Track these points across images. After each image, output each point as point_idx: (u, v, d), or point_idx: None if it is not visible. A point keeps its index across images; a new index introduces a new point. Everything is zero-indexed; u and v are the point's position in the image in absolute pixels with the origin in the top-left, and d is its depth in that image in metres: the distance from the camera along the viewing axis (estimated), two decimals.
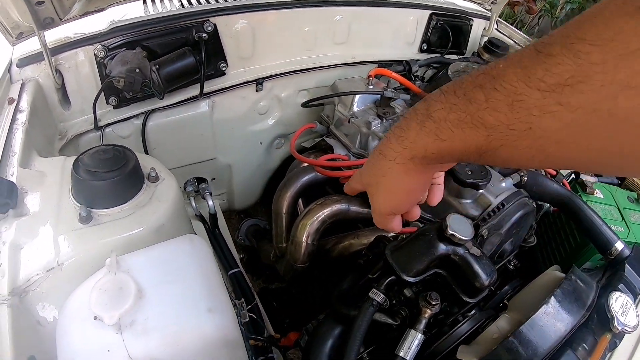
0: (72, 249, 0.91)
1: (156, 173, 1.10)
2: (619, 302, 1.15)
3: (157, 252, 0.89)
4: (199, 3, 1.57)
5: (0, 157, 1.06)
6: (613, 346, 1.11)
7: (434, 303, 1.05)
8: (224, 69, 1.62)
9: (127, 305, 0.76)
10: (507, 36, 2.38)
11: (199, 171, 1.88)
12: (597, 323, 1.13)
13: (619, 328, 1.09)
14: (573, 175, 1.85)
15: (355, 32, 1.85)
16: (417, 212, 0.77)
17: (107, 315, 0.75)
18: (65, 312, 0.82)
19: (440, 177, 0.78)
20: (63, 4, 1.24)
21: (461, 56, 2.26)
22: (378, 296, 1.03)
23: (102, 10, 1.44)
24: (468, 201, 1.32)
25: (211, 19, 1.52)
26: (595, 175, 1.98)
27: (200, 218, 1.83)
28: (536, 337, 1.03)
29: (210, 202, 1.80)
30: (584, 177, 1.82)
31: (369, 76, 1.72)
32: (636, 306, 1.22)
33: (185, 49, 1.50)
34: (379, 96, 1.64)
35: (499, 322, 1.20)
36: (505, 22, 2.45)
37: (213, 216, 1.81)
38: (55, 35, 1.38)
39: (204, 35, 1.51)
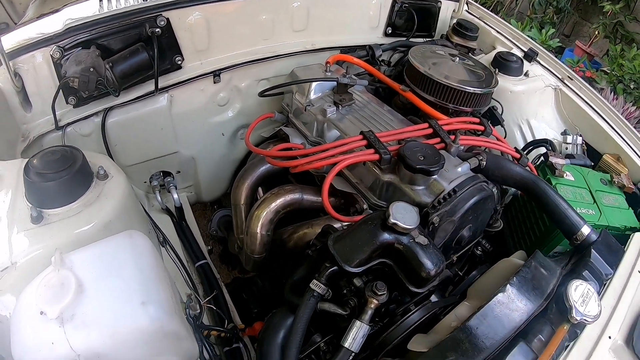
0: (24, 249, 1.01)
1: (105, 171, 1.19)
2: (579, 291, 1.16)
3: (98, 248, 0.98)
4: None
5: None
6: (574, 336, 1.14)
7: (379, 293, 1.14)
8: (179, 62, 1.70)
9: (67, 299, 0.85)
10: (477, 17, 2.45)
11: (164, 165, 1.97)
12: (556, 312, 1.16)
13: (578, 318, 1.10)
14: (542, 158, 1.91)
15: (314, 19, 1.93)
16: None
17: (50, 310, 0.84)
18: (17, 308, 0.92)
19: None
20: (15, 9, 1.34)
21: (428, 39, 2.33)
22: (319, 287, 1.12)
23: (57, 11, 1.57)
24: (420, 187, 1.39)
25: (164, 14, 1.60)
26: (567, 157, 2.05)
27: (167, 211, 1.93)
28: (487, 328, 1.08)
29: (175, 196, 1.89)
30: (552, 159, 1.86)
31: (327, 63, 1.80)
32: (601, 293, 1.28)
33: (138, 45, 1.58)
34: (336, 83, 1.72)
35: (459, 309, 1.28)
36: (476, 4, 2.52)
37: (179, 209, 1.90)
38: (12, 39, 1.49)
39: (157, 30, 1.59)
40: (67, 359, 0.82)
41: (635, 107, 4.25)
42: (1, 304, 1.00)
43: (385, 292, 1.14)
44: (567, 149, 2.14)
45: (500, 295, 1.11)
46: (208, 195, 2.26)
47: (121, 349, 0.88)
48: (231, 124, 2.05)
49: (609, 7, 4.83)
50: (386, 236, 1.15)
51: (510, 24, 4.86)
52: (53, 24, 1.55)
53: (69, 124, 1.65)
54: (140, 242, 1.02)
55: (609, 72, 4.54)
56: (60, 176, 1.08)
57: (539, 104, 2.23)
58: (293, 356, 1.06)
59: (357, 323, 1.11)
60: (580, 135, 2.15)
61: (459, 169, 1.45)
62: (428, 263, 1.12)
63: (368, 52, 2.04)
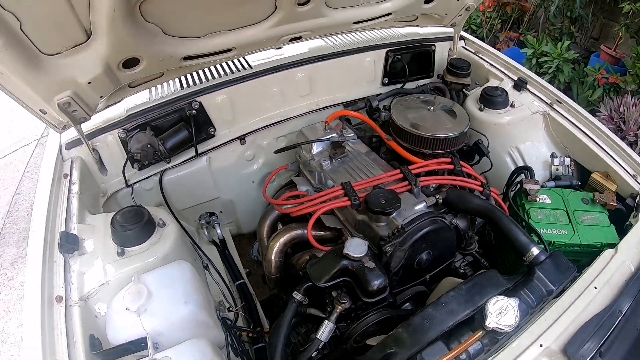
0: (113, 272, 1.78)
1: (163, 221, 1.97)
2: (497, 305, 1.48)
3: (160, 271, 1.77)
4: (188, 86, 2.42)
5: (65, 218, 1.92)
6: (494, 341, 1.49)
7: (342, 301, 1.76)
8: (213, 132, 2.50)
9: (142, 301, 1.63)
10: (473, 52, 2.91)
11: (210, 207, 2.76)
12: (477, 321, 1.54)
13: (490, 327, 1.44)
14: (518, 185, 2.31)
15: (316, 83, 2.67)
16: None
17: (132, 307, 1.62)
18: (110, 307, 1.70)
19: None
20: (89, 107, 1.95)
21: (427, 79, 2.82)
22: (297, 296, 1.81)
23: (119, 102, 2.25)
24: (383, 224, 2.01)
25: (197, 98, 2.39)
26: (556, 178, 2.42)
27: (213, 243, 2.70)
28: (419, 328, 1.55)
29: (219, 230, 2.61)
30: (526, 185, 2.22)
31: (326, 122, 2.46)
32: (537, 306, 1.60)
33: (180, 125, 2.40)
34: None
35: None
36: (472, 38, 2.96)
37: (222, 241, 2.60)
38: (90, 123, 2.17)
39: (193, 111, 2.38)
40: (140, 335, 1.55)
41: None
42: (99, 307, 1.75)
43: (347, 301, 1.82)
44: (557, 170, 2.50)
45: (432, 306, 1.60)
46: (246, 228, 3.03)
47: (172, 330, 1.63)
48: (258, 173, 2.81)
49: (629, 7, 4.85)
50: (344, 262, 1.78)
51: (527, 40, 5.05)
52: (118, 110, 2.27)
53: (135, 183, 2.43)
54: (185, 266, 1.81)
55: (635, 73, 4.61)
56: (136, 226, 1.84)
57: (527, 130, 2.63)
58: (281, 343, 1.71)
59: (325, 322, 1.80)
60: (569, 157, 2.50)
61: (416, 208, 2.01)
62: (373, 280, 1.75)
63: (366, 104, 2.68)
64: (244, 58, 2.53)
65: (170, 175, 2.49)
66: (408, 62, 2.82)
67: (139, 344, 1.53)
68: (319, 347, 1.76)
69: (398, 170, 2.14)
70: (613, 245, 1.85)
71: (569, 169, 2.48)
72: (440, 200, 2.06)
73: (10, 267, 4.06)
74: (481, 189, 2.18)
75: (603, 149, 2.34)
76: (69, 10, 1.57)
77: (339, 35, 2.75)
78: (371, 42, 2.71)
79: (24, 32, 1.54)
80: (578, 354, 1.42)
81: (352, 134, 2.46)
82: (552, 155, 2.54)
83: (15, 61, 1.56)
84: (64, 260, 1.75)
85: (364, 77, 2.76)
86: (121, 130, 2.25)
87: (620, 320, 1.54)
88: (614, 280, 1.66)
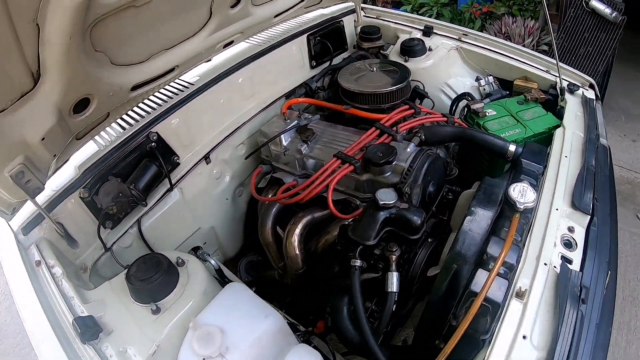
0: (158, 332, 1.54)
1: (181, 259, 1.78)
2: (516, 190, 1.74)
3: (216, 303, 1.59)
4: (136, 121, 2.23)
5: (66, 306, 1.64)
6: (526, 219, 1.73)
7: (394, 250, 1.86)
8: (177, 160, 2.32)
9: (219, 341, 1.44)
10: (375, 18, 3.23)
11: (193, 242, 2.57)
12: (508, 210, 1.79)
13: (521, 207, 1.69)
14: (466, 109, 2.64)
15: (257, 83, 2.62)
16: None
17: (211, 352, 1.42)
18: None
19: None
20: (42, 172, 1.72)
21: (344, 52, 3.11)
22: (356, 262, 1.81)
23: (67, 161, 2.03)
24: (388, 174, 2.10)
25: (153, 130, 2.21)
26: (487, 96, 2.78)
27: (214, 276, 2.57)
28: (470, 237, 1.75)
29: (212, 261, 2.54)
30: (473, 106, 2.58)
31: (283, 113, 2.53)
32: (537, 185, 1.95)
33: (146, 161, 2.19)
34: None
35: (450, 238, 2.01)
36: (369, 6, 3.32)
37: (219, 271, 2.56)
38: (44, 196, 1.92)
39: (153, 144, 2.20)
40: None
41: (533, 21, 5.19)
42: None
43: (397, 247, 1.87)
44: (484, 89, 2.87)
45: (468, 216, 1.79)
46: (232, 251, 2.89)
47: (264, 349, 1.49)
48: (229, 188, 2.70)
49: None
50: (381, 214, 1.86)
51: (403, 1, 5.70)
52: (68, 173, 2.04)
53: (114, 243, 2.18)
54: (238, 286, 1.68)
55: None
56: (160, 275, 1.62)
57: (448, 66, 2.98)
58: (362, 313, 1.71)
59: (389, 274, 1.82)
60: (490, 75, 2.89)
61: (408, 149, 2.16)
62: (414, 217, 1.84)
63: (306, 89, 2.80)
64: (180, 79, 2.43)
65: (147, 221, 2.30)
66: (326, 40, 2.95)
67: None
68: (395, 299, 1.82)
69: (373, 128, 2.26)
70: (558, 126, 2.32)
71: (494, 85, 2.88)
72: (423, 138, 2.24)
73: None
74: (445, 119, 2.45)
75: (513, 58, 2.81)
76: (16, 49, 1.38)
77: (260, 34, 2.77)
78: (291, 32, 2.78)
79: None
80: (583, 203, 1.80)
81: (314, 115, 2.50)
82: (477, 79, 2.93)
83: None
84: (94, 350, 1.51)
85: (295, 65, 2.82)
86: (82, 190, 2.01)
87: (594, 171, 1.99)
88: (575, 147, 2.12)
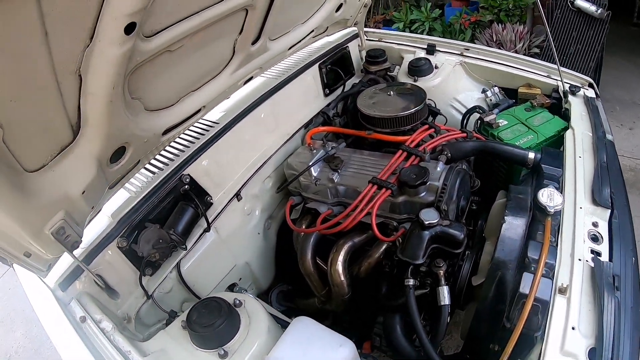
0: None
1: (238, 300, 1.76)
2: (544, 194, 1.89)
3: (287, 340, 1.59)
4: (166, 165, 2.24)
5: None
6: (557, 222, 1.87)
7: (441, 265, 1.93)
8: (210, 200, 2.32)
9: None
10: (378, 40, 3.33)
11: (230, 280, 2.58)
12: (539, 215, 1.92)
13: (551, 211, 1.84)
14: (479, 122, 2.73)
15: (278, 115, 2.66)
16: None
17: None
18: None
19: None
20: (80, 226, 1.70)
21: (352, 78, 3.21)
22: (410, 281, 1.87)
23: (99, 211, 2.00)
24: (423, 194, 2.14)
25: (184, 172, 2.21)
26: (494, 106, 2.86)
27: None
28: (508, 245, 1.86)
29: (250, 296, 2.60)
30: (486, 118, 2.67)
31: (308, 144, 2.58)
32: (560, 186, 2.07)
33: (181, 204, 2.19)
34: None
35: (486, 249, 2.09)
36: (371, 29, 3.43)
37: None
38: (77, 250, 1.80)
39: (186, 186, 2.20)
40: None
41: (522, 26, 5.39)
42: None
43: (443, 262, 1.94)
44: (491, 100, 2.97)
45: (504, 225, 1.89)
46: (265, 283, 2.88)
47: None
48: (260, 223, 2.72)
49: None
50: (426, 233, 1.93)
51: (394, 16, 5.89)
52: (103, 223, 2.02)
53: (154, 290, 2.15)
54: (305, 319, 1.67)
55: (487, 6, 5.54)
56: (223, 319, 1.61)
57: (455, 81, 3.07)
58: (421, 330, 1.77)
59: (439, 288, 1.89)
60: (495, 86, 2.99)
61: (438, 168, 2.21)
62: (457, 233, 1.93)
63: (323, 117, 2.85)
64: (204, 119, 2.45)
65: (186, 264, 2.29)
66: (336, 67, 3.04)
67: None
68: (449, 312, 1.89)
69: (400, 151, 2.32)
70: (566, 128, 2.43)
71: (499, 95, 2.98)
72: (449, 155, 2.32)
73: None
74: (465, 134, 2.52)
75: (515, 67, 2.93)
76: (57, 101, 1.35)
77: (275, 67, 2.84)
78: (304, 62, 2.85)
79: (5, 144, 1.25)
80: (603, 198, 1.92)
81: (339, 143, 2.56)
82: (483, 91, 3.02)
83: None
84: None
85: (311, 95, 2.89)
86: (119, 240, 1.98)
87: (607, 167, 2.11)
88: (586, 146, 2.24)
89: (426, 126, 2.55)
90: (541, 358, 1.49)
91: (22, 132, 1.29)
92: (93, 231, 2.00)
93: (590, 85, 2.70)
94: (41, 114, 1.34)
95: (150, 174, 2.23)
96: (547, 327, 1.55)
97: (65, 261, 1.84)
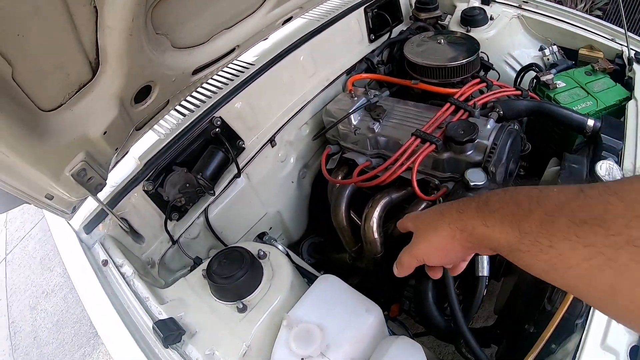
0: (247, 332, 1.41)
1: (262, 251, 1.63)
2: (603, 168, 1.70)
3: (310, 298, 1.44)
4: (197, 107, 2.10)
5: (142, 308, 1.52)
6: None
7: None
8: (242, 145, 2.18)
9: (319, 339, 1.30)
10: None
11: (260, 229, 2.47)
12: None
13: None
14: (535, 80, 2.46)
15: (318, 60, 2.44)
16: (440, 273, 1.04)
17: (311, 352, 1.28)
18: None
19: (469, 257, 0.98)
20: (103, 168, 1.59)
21: (400, 25, 2.95)
22: None
23: (126, 153, 1.91)
24: (470, 152, 1.92)
25: (216, 114, 2.07)
26: (552, 67, 2.64)
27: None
28: None
29: (280, 247, 2.46)
30: (542, 77, 2.40)
31: (350, 90, 2.38)
32: (619, 161, 1.83)
33: (211, 147, 2.05)
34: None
35: None
36: None
37: (287, 255, 2.50)
38: (102, 193, 1.73)
39: (217, 129, 2.06)
40: None
41: None
42: None
43: None
44: (549, 59, 2.66)
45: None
46: (297, 235, 2.77)
47: (366, 347, 1.35)
48: (295, 171, 2.57)
49: None
50: (471, 194, 1.72)
51: None
52: (129, 166, 1.94)
53: (180, 236, 2.06)
54: (332, 278, 1.52)
55: None
56: (245, 270, 1.48)
57: (511, 36, 2.76)
58: (454, 299, 1.61)
59: (479, 257, 1.69)
60: (554, 44, 2.67)
61: (488, 126, 1.98)
62: None
63: (367, 64, 2.61)
64: (239, 60, 2.30)
65: (214, 210, 2.19)
66: (383, 12, 2.79)
67: None
68: (487, 284, 1.70)
69: (448, 104, 2.09)
70: (629, 98, 2.19)
71: (558, 55, 2.68)
72: (502, 113, 2.07)
73: None
74: (519, 92, 2.26)
75: (577, 26, 2.61)
76: (72, 36, 1.22)
77: (317, 8, 2.66)
78: (348, 5, 2.62)
79: (16, 82, 1.14)
80: None
81: (383, 92, 2.36)
82: (541, 49, 2.71)
83: (11, 132, 1.16)
84: (178, 354, 1.41)
85: (354, 40, 2.66)
86: (145, 183, 1.89)
87: None
88: None
89: (477, 80, 2.30)
90: (579, 349, 1.32)
91: (33, 69, 1.18)
92: (119, 174, 1.91)
93: None
94: (54, 49, 1.20)
95: (180, 116, 2.10)
96: (591, 315, 1.38)
97: (91, 204, 1.77)
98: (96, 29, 1.28)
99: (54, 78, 1.26)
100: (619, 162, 1.82)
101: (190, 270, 1.90)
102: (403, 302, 2.04)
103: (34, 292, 4.29)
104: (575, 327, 1.42)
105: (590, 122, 2.03)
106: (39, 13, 1.08)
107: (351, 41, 2.66)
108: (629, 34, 2.35)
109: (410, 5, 3.00)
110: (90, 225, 1.78)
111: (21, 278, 4.47)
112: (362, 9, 2.64)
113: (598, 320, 1.35)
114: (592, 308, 1.38)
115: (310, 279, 1.85)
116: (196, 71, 1.86)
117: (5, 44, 1.05)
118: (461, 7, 2.89)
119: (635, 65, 2.32)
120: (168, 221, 1.98)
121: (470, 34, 2.65)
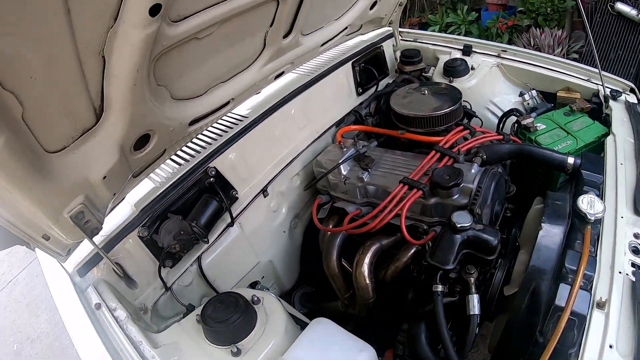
0: None
1: (256, 297, 1.65)
2: (585, 201, 1.75)
3: (304, 341, 1.46)
4: (192, 156, 2.15)
5: (135, 351, 1.52)
6: (597, 231, 1.72)
7: (472, 272, 1.77)
8: (236, 195, 2.22)
9: None
10: (413, 40, 3.20)
11: (252, 277, 2.46)
12: (578, 223, 1.76)
13: (592, 218, 1.69)
14: (516, 125, 2.57)
15: (309, 113, 2.55)
16: None
17: None
18: None
19: None
20: (101, 212, 1.65)
21: (386, 78, 3.08)
22: (438, 287, 1.72)
23: (122, 199, 1.94)
24: (456, 196, 1.99)
25: (210, 165, 2.12)
26: (532, 110, 2.69)
27: None
28: (544, 254, 1.70)
29: (272, 296, 2.50)
30: (523, 121, 2.51)
31: (339, 142, 2.46)
32: (600, 194, 1.91)
33: (206, 197, 2.09)
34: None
35: (520, 257, 1.93)
36: (406, 29, 3.31)
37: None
38: (97, 237, 1.74)
39: (212, 179, 2.11)
40: None
41: (560, 30, 5.17)
42: None
43: (474, 269, 1.77)
44: (529, 104, 2.81)
45: (541, 232, 1.73)
46: (289, 284, 2.77)
47: None
48: (286, 221, 2.60)
49: None
50: (458, 237, 1.77)
51: (430, 19, 5.77)
52: (125, 211, 1.96)
53: (174, 282, 2.06)
54: (325, 321, 1.54)
55: (525, 10, 5.33)
56: (239, 315, 1.50)
57: (491, 83, 2.92)
58: (447, 340, 1.62)
59: (469, 296, 1.72)
60: (533, 89, 2.82)
61: (472, 170, 2.06)
62: (490, 238, 1.76)
63: (355, 116, 2.73)
64: (233, 112, 2.37)
65: (207, 258, 2.21)
66: (369, 66, 2.93)
67: None
68: (478, 322, 1.72)
69: (434, 152, 2.17)
70: (607, 134, 2.28)
71: (537, 99, 2.82)
72: (485, 157, 2.16)
73: None
74: (501, 137, 2.37)
75: (554, 70, 2.76)
76: (80, 83, 1.30)
77: (307, 63, 2.75)
78: (336, 60, 2.75)
79: (25, 122, 1.20)
80: None
81: (371, 142, 2.45)
82: (521, 94, 2.87)
83: (16, 169, 1.20)
84: None
85: (343, 93, 2.78)
86: (141, 229, 1.91)
87: None
88: (628, 153, 2.09)
89: (461, 127, 2.40)
90: None
91: (42, 111, 1.24)
92: (115, 219, 1.94)
93: (632, 91, 2.54)
94: (63, 94, 1.28)
95: (176, 165, 2.15)
96: (583, 344, 1.41)
97: (86, 247, 1.79)
98: (103, 78, 1.36)
99: (60, 121, 1.32)
100: (601, 195, 1.89)
101: (183, 317, 1.90)
102: (397, 347, 2.04)
103: (18, 337, 4.21)
104: (569, 356, 1.45)
105: (571, 160, 2.12)
106: (53, 60, 1.16)
107: (340, 94, 2.78)
108: (604, 73, 2.48)
109: (396, 59, 3.16)
110: (84, 269, 1.79)
111: (7, 322, 4.40)
112: (349, 63, 2.78)
113: (590, 348, 1.38)
114: (584, 337, 1.41)
115: (302, 327, 1.78)
116: (193, 122, 1.95)
117: (19, 85, 1.12)
118: (443, 59, 3.04)
119: (611, 102, 2.44)
120: (162, 268, 1.99)
121: (453, 84, 2.80)
